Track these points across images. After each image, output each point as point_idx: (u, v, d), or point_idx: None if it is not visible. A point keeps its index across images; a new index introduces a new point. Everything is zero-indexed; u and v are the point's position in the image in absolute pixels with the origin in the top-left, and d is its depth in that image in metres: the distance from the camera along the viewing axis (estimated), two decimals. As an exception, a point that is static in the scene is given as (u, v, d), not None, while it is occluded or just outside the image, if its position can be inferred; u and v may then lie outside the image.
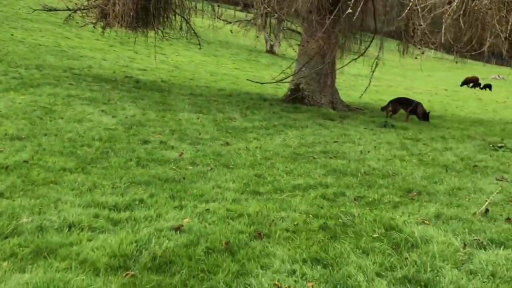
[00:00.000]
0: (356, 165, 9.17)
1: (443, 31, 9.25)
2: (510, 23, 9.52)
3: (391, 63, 48.22)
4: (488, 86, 40.09)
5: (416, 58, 14.00)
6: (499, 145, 12.37)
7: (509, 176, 9.23)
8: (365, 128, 13.78)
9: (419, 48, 12.15)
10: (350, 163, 9.32)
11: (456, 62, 16.68)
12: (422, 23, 11.27)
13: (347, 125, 14.10)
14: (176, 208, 6.19)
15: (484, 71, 57.67)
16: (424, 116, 16.14)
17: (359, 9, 11.73)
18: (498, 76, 56.02)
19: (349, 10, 7.31)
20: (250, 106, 15.64)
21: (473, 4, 9.33)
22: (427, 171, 9.12)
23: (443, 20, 10.56)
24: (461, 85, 41.93)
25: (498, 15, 9.56)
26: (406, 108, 16.38)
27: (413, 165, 9.63)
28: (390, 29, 18.59)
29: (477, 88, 40.72)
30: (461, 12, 9.64)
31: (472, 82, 42.24)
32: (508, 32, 9.70)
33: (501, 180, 8.79)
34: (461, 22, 8.85)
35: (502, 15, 9.62)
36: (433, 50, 56.45)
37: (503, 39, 10.37)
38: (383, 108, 17.21)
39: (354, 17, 11.38)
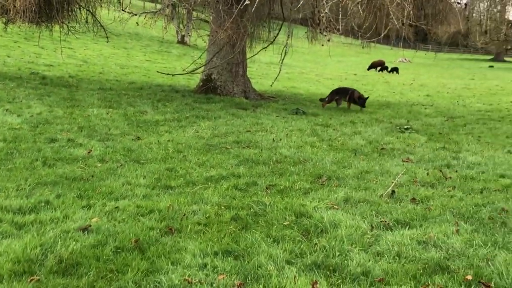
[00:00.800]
0: (268, 154, 9.24)
1: (340, 19, 9.42)
2: (406, 10, 9.86)
3: (303, 50, 48.97)
4: (395, 69, 41.39)
5: (322, 45, 14.25)
6: (405, 127, 12.82)
7: (414, 156, 9.58)
8: (277, 116, 13.91)
9: (325, 35, 12.33)
10: (263, 152, 9.38)
11: (363, 47, 17.12)
12: (326, 11, 11.43)
13: (260, 113, 14.18)
14: (84, 208, 6.02)
15: (391, 55, 59.70)
16: (360, 100, 16.07)
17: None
18: (405, 59, 57.98)
19: (247, 2, 7.29)
20: (162, 98, 15.46)
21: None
22: (337, 156, 9.31)
23: (349, 7, 10.81)
24: (368, 69, 43.07)
25: (394, 2, 9.87)
26: (345, 97, 16.43)
27: (323, 150, 9.81)
28: (298, 17, 18.84)
29: (385, 72, 41.95)
30: (364, 0, 9.88)
31: (378, 65, 43.49)
32: (404, 18, 10.05)
33: (407, 161, 9.11)
34: (360, 10, 9.05)
35: (398, 2, 9.93)
36: (342, 36, 57.71)
37: (400, 25, 10.77)
38: (321, 99, 17.19)
39: (254, 7, 11.37)
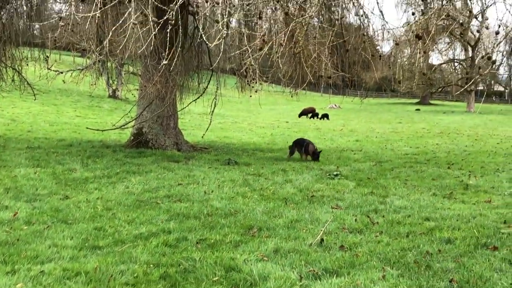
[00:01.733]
0: (199, 207, 9.23)
1: (267, 69, 9.68)
2: (323, 63, 10.28)
3: (235, 100, 49.37)
4: (326, 116, 42.29)
5: (251, 96, 14.51)
6: (335, 173, 13.07)
7: (343, 203, 9.76)
8: (209, 167, 13.93)
9: (252, 87, 12.58)
10: (194, 205, 9.35)
11: (291, 96, 17.42)
12: (252, 63, 11.67)
13: (192, 165, 14.17)
14: (8, 274, 5.82)
15: (321, 101, 61.00)
16: (313, 154, 15.97)
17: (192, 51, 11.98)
18: (335, 105, 59.35)
19: (164, 62, 7.41)
20: (92, 154, 15.25)
21: (295, 48, 9.95)
22: (268, 206, 9.39)
23: (274, 60, 11.09)
24: (299, 116, 43.82)
25: (312, 56, 10.27)
26: (300, 149, 16.32)
27: (254, 200, 9.87)
28: (227, 68, 19.14)
29: (316, 118, 42.79)
30: (285, 52, 10.22)
31: (309, 112, 44.36)
32: (322, 70, 10.49)
33: (336, 208, 9.27)
34: (280, 64, 9.34)
35: (315, 56, 10.33)
36: (273, 84, 58.83)
37: (321, 76, 11.24)
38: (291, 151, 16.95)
39: (169, 66, 11.53)
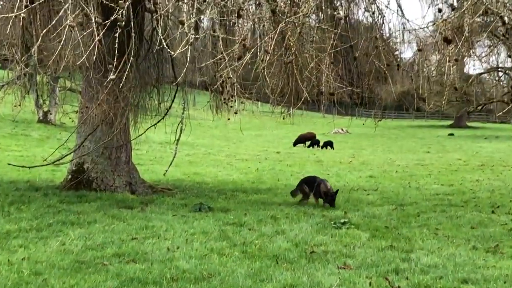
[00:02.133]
0: (161, 269, 9.18)
1: (251, 83, 9.74)
2: (324, 75, 10.39)
3: (209, 123, 49.63)
4: (329, 144, 42.47)
5: (229, 119, 14.57)
6: (342, 220, 13.09)
7: (353, 261, 9.77)
8: (174, 215, 13.89)
9: (231, 107, 12.66)
10: (153, 267, 9.31)
11: (283, 118, 17.45)
12: (231, 75, 11.73)
13: (151, 213, 14.13)
14: None
15: (324, 124, 61.11)
16: (326, 196, 15.58)
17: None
18: (342, 129, 59.72)
19: (112, 76, 7.41)
20: (16, 200, 15.16)
21: (286, 55, 10.04)
22: (253, 266, 9.37)
23: (259, 69, 11.16)
24: (294, 145, 43.92)
25: (308, 66, 10.39)
26: (311, 189, 16.07)
27: (235, 259, 9.85)
28: (197, 81, 19.23)
29: (316, 147, 42.93)
30: (273, 61, 10.31)
31: (307, 139, 44.52)
32: (323, 85, 10.59)
33: (344, 268, 9.28)
34: (266, 75, 9.43)
35: (313, 65, 10.43)
36: (259, 103, 58.91)
37: (321, 91, 11.33)
38: (292, 193, 16.88)
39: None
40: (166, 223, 12.98)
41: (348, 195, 18.04)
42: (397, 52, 25.76)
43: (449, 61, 7.43)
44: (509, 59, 69.67)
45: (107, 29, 8.66)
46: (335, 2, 16.08)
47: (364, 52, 14.19)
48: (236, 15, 8.95)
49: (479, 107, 73.97)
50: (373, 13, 13.80)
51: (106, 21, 8.17)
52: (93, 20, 8.24)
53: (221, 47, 10.63)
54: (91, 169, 16.94)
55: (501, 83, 71.64)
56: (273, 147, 42.68)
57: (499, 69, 71.68)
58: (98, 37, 8.12)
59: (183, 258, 9.94)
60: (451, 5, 7.98)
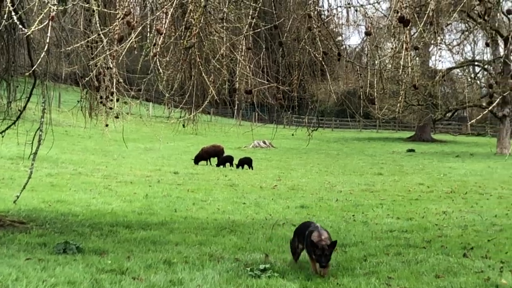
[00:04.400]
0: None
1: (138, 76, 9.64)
2: (239, 65, 10.40)
3: (80, 131, 49.18)
4: (247, 162, 42.57)
5: (107, 125, 14.40)
6: (262, 267, 13.07)
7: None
8: (28, 259, 13.71)
9: (110, 108, 12.55)
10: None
11: (184, 126, 17.35)
12: (111, 65, 11.65)
13: (-5, 255, 13.93)
14: None
15: (240, 135, 61.31)
16: (314, 248, 13.04)
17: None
18: (264, 142, 59.94)
19: None
20: None
21: (187, 38, 10.00)
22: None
23: (149, 57, 11.06)
24: (195, 162, 43.76)
25: (217, 54, 10.41)
26: (302, 241, 13.88)
27: (112, 322, 9.76)
28: (63, 72, 19.02)
29: (230, 167, 43.00)
30: (169, 46, 10.25)
31: (212, 155, 44.50)
32: (238, 78, 10.57)
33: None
34: (160, 64, 9.36)
35: (222, 53, 10.46)
36: (152, 104, 58.62)
37: (234, 89, 11.31)
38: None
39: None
40: (17, 269, 12.77)
41: (271, 231, 18.10)
42: (339, 38, 25.94)
43: (406, 49, 7.47)
44: (488, 50, 71.01)
45: None
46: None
47: (295, 35, 14.23)
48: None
49: (449, 114, 74.59)
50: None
51: None
52: None
53: (98, 24, 10.54)
54: None
55: (478, 81, 72.62)
56: (169, 165, 42.53)
57: (476, 63, 72.67)
58: None
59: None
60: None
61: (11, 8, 6.67)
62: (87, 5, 12.48)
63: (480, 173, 42.93)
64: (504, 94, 45.95)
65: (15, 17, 6.54)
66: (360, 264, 14.13)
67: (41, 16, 6.80)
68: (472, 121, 19.66)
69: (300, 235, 14.02)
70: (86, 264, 13.41)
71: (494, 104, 9.82)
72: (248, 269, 13.06)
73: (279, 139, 53.36)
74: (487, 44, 68.87)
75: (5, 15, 11.30)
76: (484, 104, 64.15)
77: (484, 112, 8.36)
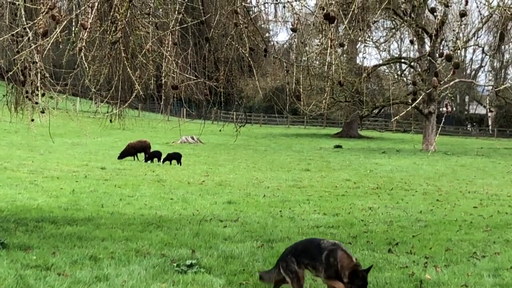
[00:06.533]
0: None
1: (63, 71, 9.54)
2: (165, 60, 10.39)
3: (6, 126, 48.64)
4: (175, 157, 42.41)
5: (32, 120, 14.26)
6: (188, 262, 13.06)
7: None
8: None
9: (36, 103, 12.43)
10: None
11: (111, 121, 17.24)
12: (37, 59, 11.53)
13: None
14: None
15: (168, 130, 61.12)
16: (352, 278, 10.35)
17: None
18: (192, 138, 59.85)
19: None
20: None
21: (112, 32, 9.96)
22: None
23: (75, 51, 10.98)
24: (120, 157, 43.49)
25: (143, 49, 10.39)
26: (312, 264, 11.01)
27: (35, 317, 9.63)
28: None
29: (158, 162, 42.82)
30: (95, 40, 10.18)
31: (138, 150, 44.27)
32: (164, 74, 10.57)
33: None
34: (84, 59, 9.29)
35: (149, 48, 10.43)
36: (79, 99, 58.10)
37: (160, 84, 11.31)
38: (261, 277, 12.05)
39: None
40: None
41: (198, 227, 18.05)
42: (267, 34, 25.93)
43: (332, 46, 7.49)
44: (415, 48, 71.89)
45: None
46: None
47: (222, 31, 14.21)
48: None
49: (376, 111, 75.46)
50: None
51: None
52: None
53: (23, 18, 10.42)
54: None
55: (405, 79, 73.41)
56: (97, 160, 42.24)
57: (402, 60, 73.50)
58: None
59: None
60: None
61: None
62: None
63: (405, 169, 43.26)
64: (428, 92, 46.39)
65: None
66: (286, 259, 14.12)
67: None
68: (396, 117, 19.72)
69: (306, 254, 11.08)
70: (11, 260, 13.25)
71: (418, 101, 9.91)
72: (175, 264, 13.03)
73: (207, 135, 53.36)
74: (411, 42, 69.54)
75: None
76: (409, 100, 64.77)
77: (408, 109, 8.41)
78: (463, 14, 7.49)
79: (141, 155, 45.16)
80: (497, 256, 15.22)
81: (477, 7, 49.56)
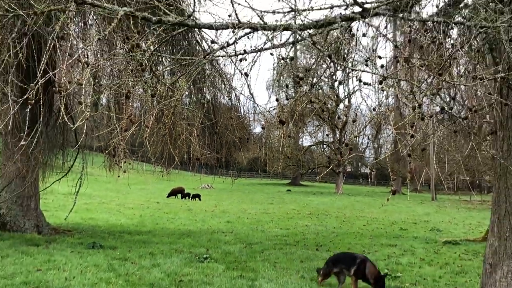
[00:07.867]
0: (58, 295, 8.79)
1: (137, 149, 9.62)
2: (192, 146, 10.54)
3: (103, 179, 48.30)
4: (197, 196, 42.21)
5: (118, 176, 14.31)
6: (204, 256, 13.02)
7: (211, 287, 9.69)
8: (72, 252, 13.37)
9: (121, 167, 12.43)
10: (52, 293, 8.90)
11: (162, 176, 17.34)
12: (121, 143, 11.56)
13: (53, 249, 13.55)
14: None
15: (193, 181, 61.00)
16: (376, 281, 10.05)
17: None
18: (208, 185, 59.61)
19: (23, 142, 7.19)
20: None
21: (163, 129, 10.11)
22: (133, 292, 9.13)
23: (144, 138, 11.07)
24: (167, 196, 43.32)
25: (181, 137, 10.52)
26: (348, 269, 10.42)
27: (119, 287, 9.56)
28: (94, 146, 18.82)
29: (188, 199, 42.60)
30: (153, 133, 10.32)
31: (178, 192, 44.03)
32: (192, 151, 10.74)
33: (204, 293, 9.18)
34: (148, 143, 9.38)
35: (183, 137, 10.54)
36: (144, 163, 58.30)
37: (189, 157, 11.49)
38: (318, 271, 11.24)
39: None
40: (65, 257, 12.46)
41: (210, 236, 17.96)
42: (251, 127, 26.06)
43: (283, 137, 7.66)
44: (331, 135, 72.96)
45: (24, 103, 8.36)
46: (204, 89, 16.23)
47: (224, 127, 14.36)
48: (125, 96, 8.87)
49: (309, 170, 76.88)
50: (230, 99, 14.05)
51: (20, 100, 7.92)
52: (9, 98, 8.01)
53: (114, 120, 10.49)
54: (6, 213, 16.11)
55: (325, 153, 74.36)
56: (154, 198, 41.93)
57: (324, 143, 74.58)
58: (13, 111, 7.88)
59: (78, 286, 9.57)
60: (286, 96, 8.25)
61: (63, 113, 6.63)
62: (109, 110, 12.45)
63: (326, 203, 43.06)
64: (337, 160, 46.74)
65: (65, 118, 6.47)
66: (259, 254, 14.09)
67: (82, 117, 6.77)
68: (321, 175, 19.95)
69: (342, 262, 10.52)
70: (105, 254, 13.13)
71: (331, 166, 10.01)
72: (197, 257, 12.96)
73: (216, 184, 53.13)
74: (327, 135, 70.92)
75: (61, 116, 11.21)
76: (328, 165, 65.59)
77: (327, 170, 8.54)
78: (354, 120, 7.67)
79: (179, 196, 44.94)
80: (376, 253, 15.22)
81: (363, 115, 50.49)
